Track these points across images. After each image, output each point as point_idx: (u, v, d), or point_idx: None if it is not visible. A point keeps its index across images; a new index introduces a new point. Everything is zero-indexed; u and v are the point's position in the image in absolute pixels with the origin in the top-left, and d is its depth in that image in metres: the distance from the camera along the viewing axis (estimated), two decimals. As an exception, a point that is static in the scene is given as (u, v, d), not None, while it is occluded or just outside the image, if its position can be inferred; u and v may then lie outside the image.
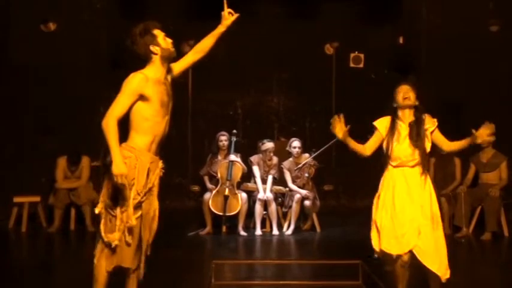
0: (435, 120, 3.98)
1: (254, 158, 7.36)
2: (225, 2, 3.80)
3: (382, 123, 4.10)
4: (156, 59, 3.50)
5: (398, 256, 3.83)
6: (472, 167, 7.34)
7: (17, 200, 7.38)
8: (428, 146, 3.98)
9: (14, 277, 5.08)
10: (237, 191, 7.08)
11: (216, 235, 7.01)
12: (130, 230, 3.35)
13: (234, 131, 7.55)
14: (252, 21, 9.33)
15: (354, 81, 9.44)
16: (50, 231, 7.19)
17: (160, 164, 3.57)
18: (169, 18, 9.15)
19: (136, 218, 3.36)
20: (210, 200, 6.99)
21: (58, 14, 8.03)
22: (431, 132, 3.96)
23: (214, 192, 7.06)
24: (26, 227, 7.31)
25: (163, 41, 3.52)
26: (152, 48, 3.47)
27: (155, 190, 3.50)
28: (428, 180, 3.96)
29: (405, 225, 3.85)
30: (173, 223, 8.02)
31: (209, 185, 7.31)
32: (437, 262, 3.77)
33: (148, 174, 3.40)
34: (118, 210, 3.35)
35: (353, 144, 4.02)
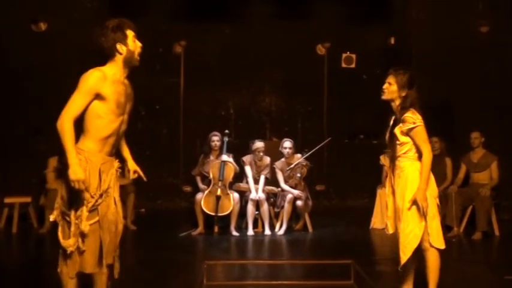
0: (416, 120, 3.81)
1: (246, 158, 7.36)
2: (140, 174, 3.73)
3: None
4: (118, 59, 3.36)
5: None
6: (462, 167, 7.38)
7: (7, 200, 7.34)
8: (403, 142, 3.89)
9: (4, 278, 5.05)
10: (229, 191, 7.08)
11: (208, 235, 7.01)
12: (83, 236, 3.24)
13: (226, 131, 7.55)
14: (244, 21, 9.35)
15: (346, 82, 9.47)
16: (41, 232, 7.15)
17: (116, 164, 3.45)
18: (161, 19, 9.19)
19: (93, 223, 3.25)
20: (202, 200, 6.99)
21: (49, 14, 8.00)
22: (406, 132, 3.84)
23: (206, 192, 7.05)
24: (17, 228, 7.27)
25: (132, 43, 3.38)
26: (119, 46, 3.33)
27: (112, 192, 3.37)
28: (406, 176, 3.86)
29: (391, 209, 4.06)
30: (165, 223, 8.04)
31: (201, 185, 7.31)
32: (399, 250, 3.91)
33: (101, 176, 3.28)
34: (73, 216, 3.25)
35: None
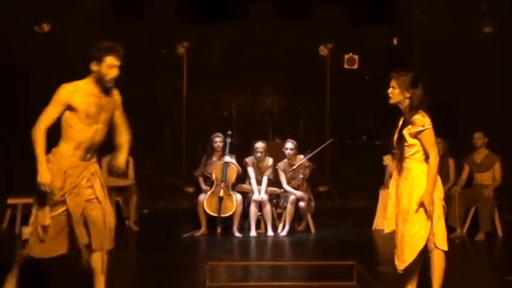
0: (425, 123, 3.82)
1: (249, 159, 7.36)
2: None
3: None
4: (93, 75, 3.70)
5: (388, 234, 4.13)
6: (465, 167, 7.36)
7: (10, 201, 7.34)
8: (412, 144, 3.90)
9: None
10: (231, 192, 7.07)
11: (211, 236, 7.00)
12: (44, 228, 3.71)
13: (229, 132, 7.55)
14: (247, 22, 9.36)
15: (348, 83, 9.47)
16: (43, 233, 7.15)
17: (93, 168, 3.80)
18: (163, 20, 9.20)
19: (55, 215, 3.70)
20: (205, 201, 6.99)
21: (51, 15, 8.01)
22: (414, 134, 3.85)
23: (209, 193, 7.05)
24: (20, 229, 7.26)
25: (106, 68, 3.66)
26: (93, 64, 3.67)
27: (83, 190, 3.73)
28: (413, 177, 3.87)
29: (390, 209, 4.08)
30: (168, 224, 8.03)
31: (204, 186, 7.30)
32: (399, 252, 3.94)
33: (66, 178, 3.68)
34: (35, 208, 3.74)
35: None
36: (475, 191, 7.14)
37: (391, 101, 3.97)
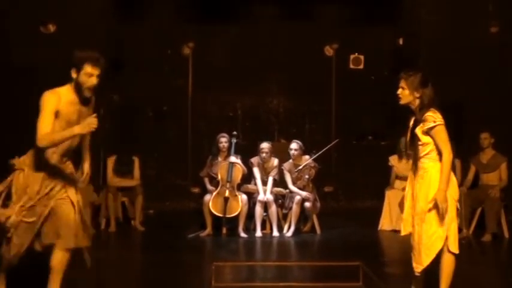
0: (436, 119, 3.81)
1: (254, 160, 7.36)
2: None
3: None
4: (72, 84, 3.70)
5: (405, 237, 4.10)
6: (472, 168, 7.34)
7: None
8: (425, 143, 3.89)
9: (15, 278, 5.06)
10: (237, 193, 7.07)
11: (216, 237, 7.00)
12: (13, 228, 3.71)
13: (234, 132, 7.55)
14: (252, 22, 9.36)
15: (354, 83, 9.45)
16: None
17: (69, 168, 3.88)
18: (169, 21, 9.21)
19: (29, 222, 3.69)
20: (210, 201, 6.99)
21: (57, 15, 8.03)
22: (427, 132, 3.84)
23: (214, 193, 7.06)
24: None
25: (84, 76, 3.66)
26: (72, 71, 3.68)
27: (55, 193, 3.75)
28: (430, 177, 3.85)
29: (406, 211, 4.04)
30: (173, 225, 8.04)
31: (209, 187, 7.31)
32: (416, 254, 3.91)
33: (43, 181, 3.70)
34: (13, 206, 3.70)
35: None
36: (481, 192, 7.11)
37: (402, 102, 3.96)
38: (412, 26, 9.05)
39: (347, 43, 9.42)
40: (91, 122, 3.52)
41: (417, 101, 3.91)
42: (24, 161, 3.75)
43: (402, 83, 3.93)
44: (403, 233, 4.06)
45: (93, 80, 3.66)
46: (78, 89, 3.67)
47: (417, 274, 3.94)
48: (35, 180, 3.70)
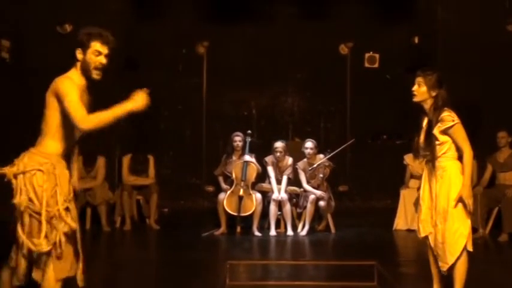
0: (454, 118, 3.80)
1: (269, 159, 7.35)
2: None
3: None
4: (78, 65, 3.26)
5: (423, 238, 4.03)
6: (488, 167, 7.27)
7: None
8: (443, 142, 3.86)
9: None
10: (251, 192, 7.08)
11: (231, 235, 7.02)
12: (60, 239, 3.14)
13: (249, 131, 7.56)
14: (267, 21, 9.35)
15: (369, 82, 9.41)
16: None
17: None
18: (184, 20, 9.23)
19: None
20: (225, 200, 7.00)
21: (74, 15, 8.09)
22: (445, 131, 3.82)
23: (228, 192, 7.07)
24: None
25: (91, 55, 3.21)
26: (78, 52, 3.23)
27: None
28: (450, 175, 3.83)
29: (424, 212, 3.99)
30: (188, 223, 8.08)
31: (224, 185, 7.32)
32: (441, 253, 3.87)
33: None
34: (44, 214, 3.10)
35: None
36: (497, 191, 7.04)
37: (416, 99, 3.93)
38: (428, 24, 8.98)
39: (362, 41, 9.38)
40: (144, 98, 3.14)
41: (431, 101, 3.89)
42: (29, 163, 3.14)
43: (419, 80, 3.90)
44: (422, 234, 4.00)
45: (102, 59, 3.21)
46: (86, 71, 3.22)
47: (444, 273, 3.90)
48: (65, 181, 3.19)
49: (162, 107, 9.46)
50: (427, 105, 3.92)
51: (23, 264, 3.12)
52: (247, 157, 7.26)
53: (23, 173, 3.12)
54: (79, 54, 3.22)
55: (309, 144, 7.29)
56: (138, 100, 3.14)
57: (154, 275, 5.29)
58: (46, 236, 3.06)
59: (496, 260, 6.04)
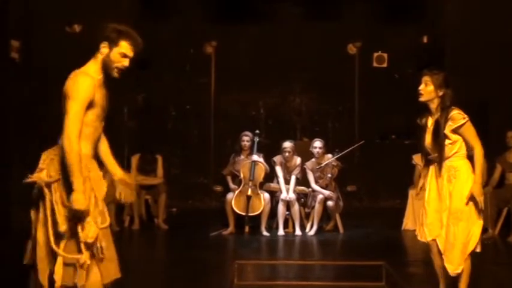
0: (464, 116, 3.78)
1: (277, 158, 7.35)
2: None
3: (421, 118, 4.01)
4: (99, 58, 3.04)
5: (427, 243, 3.95)
6: (498, 167, 7.23)
7: None
8: (455, 141, 3.83)
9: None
10: (259, 191, 7.08)
11: (239, 235, 7.02)
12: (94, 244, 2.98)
13: (257, 131, 7.56)
14: (275, 21, 9.36)
15: (377, 81, 9.39)
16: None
17: None
18: (192, 20, 9.26)
19: (103, 227, 3.02)
20: (233, 200, 7.01)
21: (83, 15, 8.12)
22: (456, 129, 3.79)
23: (237, 192, 7.07)
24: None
25: (116, 54, 3.01)
26: (103, 46, 3.01)
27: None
28: (463, 174, 3.80)
29: (431, 215, 3.92)
30: (196, 223, 8.09)
31: (232, 185, 7.33)
32: (450, 255, 3.80)
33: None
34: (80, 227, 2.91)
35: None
36: (507, 191, 7.01)
37: (422, 99, 3.88)
38: (437, 23, 8.96)
39: (370, 41, 9.37)
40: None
41: (437, 100, 3.85)
42: (61, 168, 2.90)
43: (426, 79, 3.85)
44: (429, 238, 3.90)
45: (126, 63, 3.03)
46: (107, 67, 3.02)
47: (453, 275, 3.83)
48: (100, 184, 3.05)
49: (170, 107, 9.49)
50: (434, 105, 3.87)
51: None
52: (255, 157, 7.26)
53: (58, 180, 2.89)
54: (104, 48, 3.01)
55: (318, 143, 7.28)
56: (80, 201, 2.81)
57: (162, 275, 5.30)
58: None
59: (506, 261, 6.01)
